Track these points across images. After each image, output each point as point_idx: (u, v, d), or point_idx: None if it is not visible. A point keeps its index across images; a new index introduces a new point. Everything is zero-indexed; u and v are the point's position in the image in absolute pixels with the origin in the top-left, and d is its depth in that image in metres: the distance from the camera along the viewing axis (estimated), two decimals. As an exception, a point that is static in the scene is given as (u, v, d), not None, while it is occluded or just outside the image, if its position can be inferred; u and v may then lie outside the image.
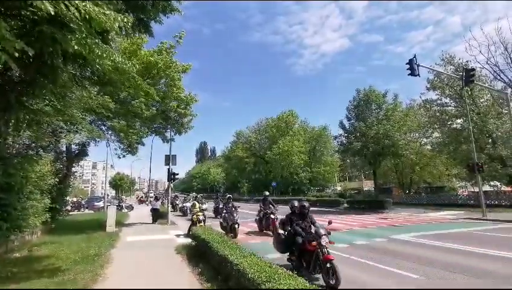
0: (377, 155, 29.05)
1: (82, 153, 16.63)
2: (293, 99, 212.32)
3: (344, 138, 32.63)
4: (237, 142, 62.70)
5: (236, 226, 11.20)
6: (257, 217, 12.95)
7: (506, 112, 20.43)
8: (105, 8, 3.95)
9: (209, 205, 22.90)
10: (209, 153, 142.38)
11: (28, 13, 3.84)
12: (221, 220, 12.48)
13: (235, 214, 11.67)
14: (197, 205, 12.87)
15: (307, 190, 46.79)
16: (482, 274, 5.86)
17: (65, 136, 12.99)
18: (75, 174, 19.90)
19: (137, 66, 9.91)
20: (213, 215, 18.60)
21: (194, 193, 28.68)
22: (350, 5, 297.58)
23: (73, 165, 17.13)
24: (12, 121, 6.27)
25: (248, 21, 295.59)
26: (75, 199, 34.67)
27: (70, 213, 21.83)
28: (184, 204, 20.79)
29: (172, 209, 26.35)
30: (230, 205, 12.53)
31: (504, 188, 26.97)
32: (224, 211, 12.29)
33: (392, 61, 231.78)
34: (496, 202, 22.24)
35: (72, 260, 7.46)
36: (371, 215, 19.16)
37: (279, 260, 6.92)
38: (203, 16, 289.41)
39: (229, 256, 4.93)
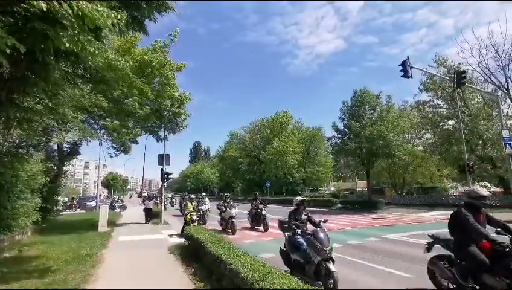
0: (371, 156, 29.30)
1: (74, 152, 16.46)
2: (288, 99, 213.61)
3: (338, 139, 32.85)
4: (231, 142, 62.69)
5: (331, 265, 5.09)
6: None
7: (496, 113, 20.83)
8: (99, 5, 3.91)
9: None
10: (203, 153, 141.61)
11: (20, 10, 3.79)
12: (284, 247, 6.22)
13: (321, 235, 5.41)
14: (190, 205, 12.79)
15: (300, 190, 46.94)
16: (472, 273, 5.94)
17: (56, 134, 12.81)
18: (67, 173, 19.64)
19: (131, 63, 9.82)
20: (247, 225, 14.35)
21: (198, 194, 22.01)
22: (345, 6, 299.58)
23: (65, 164, 16.92)
24: (3, 119, 6.16)
25: (243, 21, 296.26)
26: (66, 199, 34.21)
27: (62, 213, 21.53)
28: (200, 207, 15.49)
29: (181, 213, 22.36)
30: (304, 215, 6.24)
31: (494, 188, 27.47)
32: (297, 233, 5.71)
33: (387, 63, 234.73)
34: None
35: (63, 260, 7.37)
36: (364, 216, 19.30)
37: (273, 259, 6.93)
38: (199, 15, 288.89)
39: (223, 255, 4.91)
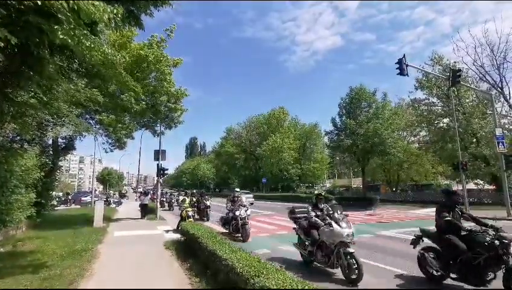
0: (366, 153, 29.47)
1: (69, 146, 16.33)
2: (285, 95, 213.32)
3: (335, 135, 32.97)
4: (228, 138, 62.67)
5: None
6: None
7: (490, 112, 21.01)
8: (95, -1, 3.86)
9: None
10: (199, 149, 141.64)
11: (13, 2, 3.74)
12: None
13: None
14: (187, 200, 12.83)
15: (296, 187, 47.14)
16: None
17: (51, 129, 12.70)
18: (62, 168, 19.49)
19: (127, 58, 9.70)
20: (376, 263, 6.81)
21: (235, 190, 13.71)
22: (343, 3, 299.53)
23: (60, 159, 16.78)
24: (-4, 113, 6.09)
25: (241, 16, 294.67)
26: (61, 194, 33.99)
27: (57, 208, 21.42)
28: (238, 213, 10.34)
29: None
30: None
31: (487, 186, 27.81)
32: None
33: (384, 60, 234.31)
34: (479, 200, 22.92)
35: (58, 255, 7.35)
36: (359, 212, 19.44)
37: (268, 255, 6.98)
38: (195, 10, 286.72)
39: (218, 251, 4.94)
